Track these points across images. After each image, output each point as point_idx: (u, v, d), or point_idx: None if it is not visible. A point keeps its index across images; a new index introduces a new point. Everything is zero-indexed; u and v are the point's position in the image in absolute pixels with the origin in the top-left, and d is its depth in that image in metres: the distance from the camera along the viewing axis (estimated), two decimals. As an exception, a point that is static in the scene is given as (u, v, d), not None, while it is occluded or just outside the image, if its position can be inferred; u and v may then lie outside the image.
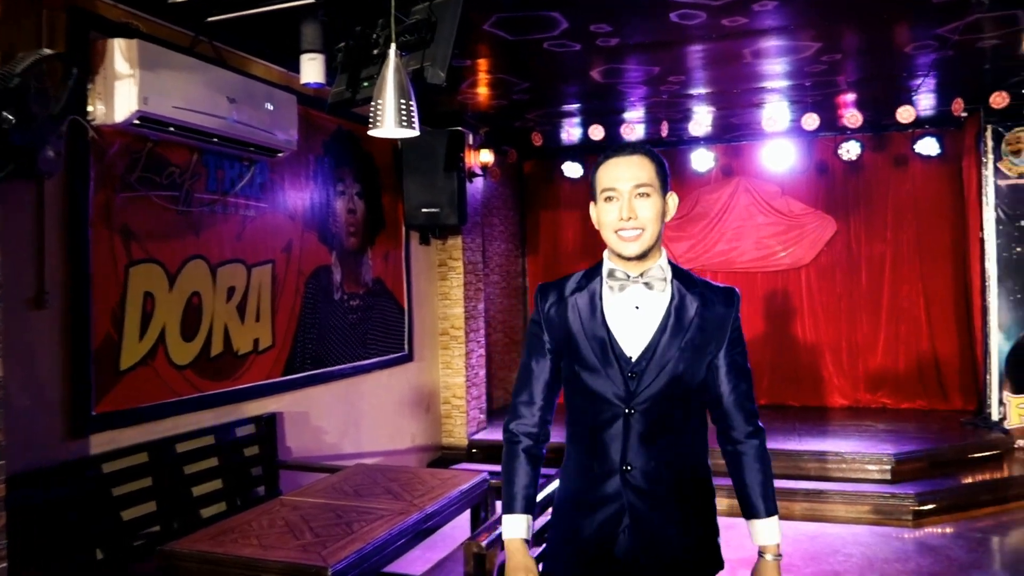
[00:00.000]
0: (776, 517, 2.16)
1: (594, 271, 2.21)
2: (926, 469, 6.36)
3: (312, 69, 4.11)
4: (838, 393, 8.49)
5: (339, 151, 5.99)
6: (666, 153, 9.03)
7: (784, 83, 6.37)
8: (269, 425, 5.03)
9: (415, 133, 3.70)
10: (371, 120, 3.64)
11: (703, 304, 2.13)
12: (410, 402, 7.01)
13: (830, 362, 8.52)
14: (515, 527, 2.17)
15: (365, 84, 3.96)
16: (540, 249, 9.72)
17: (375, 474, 4.33)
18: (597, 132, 6.99)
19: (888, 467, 6.26)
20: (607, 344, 2.12)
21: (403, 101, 3.59)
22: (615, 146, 2.16)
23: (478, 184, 7.83)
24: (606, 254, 2.19)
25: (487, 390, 8.21)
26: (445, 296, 7.52)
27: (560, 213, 9.56)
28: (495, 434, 7.67)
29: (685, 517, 2.14)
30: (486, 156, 7.65)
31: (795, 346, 8.68)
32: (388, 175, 6.70)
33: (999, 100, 6.01)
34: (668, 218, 2.14)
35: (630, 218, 2.05)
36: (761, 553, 2.16)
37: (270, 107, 4.67)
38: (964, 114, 6.27)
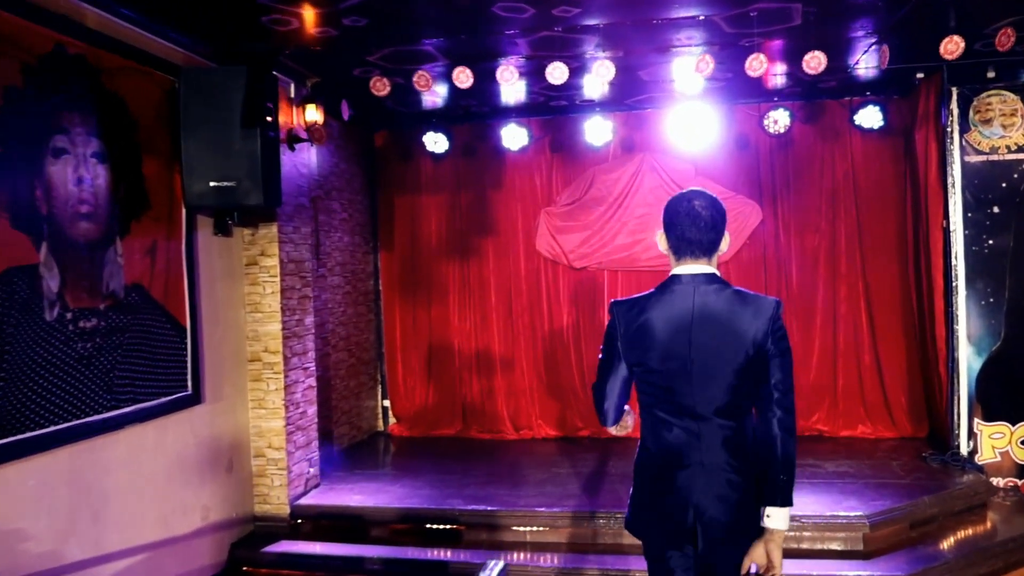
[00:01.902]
0: None
1: None
2: (905, 532, 4.79)
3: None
4: (764, 419, 6.89)
5: (58, 85, 3.78)
6: (551, 123, 7.23)
7: (716, 12, 4.64)
8: None
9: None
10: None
11: None
12: (200, 463, 4.85)
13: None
14: None
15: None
16: (396, 243, 7.69)
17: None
18: (463, 78, 5.04)
19: (860, 535, 4.64)
20: None
21: None
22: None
23: (305, 155, 5.72)
24: None
25: (322, 430, 6.10)
26: (255, 308, 5.36)
27: (421, 197, 7.56)
28: (330, 496, 5.58)
29: None
30: (313, 114, 5.55)
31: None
32: (156, 131, 4.51)
33: (1004, 40, 4.45)
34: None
35: None
36: None
37: None
38: (955, 56, 4.63)
